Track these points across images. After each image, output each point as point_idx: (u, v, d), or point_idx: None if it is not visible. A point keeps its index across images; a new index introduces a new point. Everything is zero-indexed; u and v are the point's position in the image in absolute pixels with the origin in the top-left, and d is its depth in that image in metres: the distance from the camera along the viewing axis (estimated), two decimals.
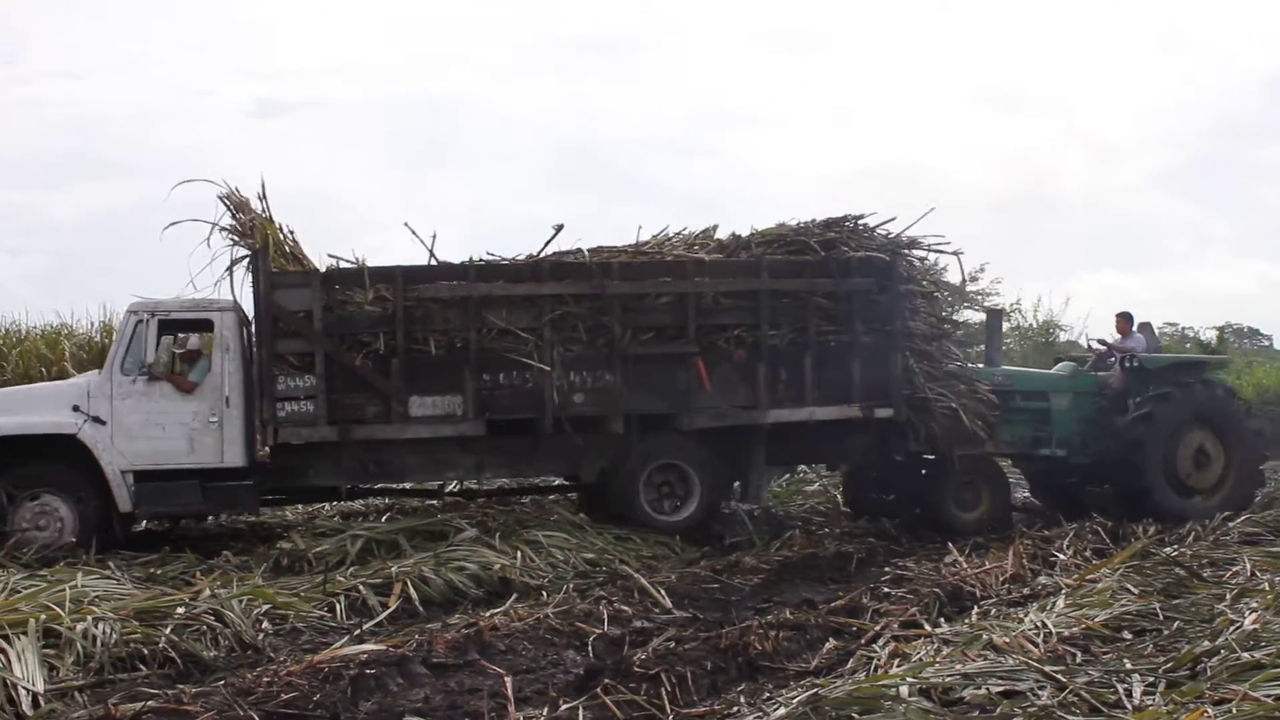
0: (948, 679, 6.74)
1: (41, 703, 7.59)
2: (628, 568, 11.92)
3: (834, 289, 14.54)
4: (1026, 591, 10.32)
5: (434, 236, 14.05)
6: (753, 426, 14.42)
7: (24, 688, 7.64)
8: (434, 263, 14.04)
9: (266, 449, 13.82)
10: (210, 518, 14.64)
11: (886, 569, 12.10)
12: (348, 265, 14.02)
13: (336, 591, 10.44)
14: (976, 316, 34.55)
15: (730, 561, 12.34)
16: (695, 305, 14.07)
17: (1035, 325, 31.51)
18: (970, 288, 34.66)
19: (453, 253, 14.13)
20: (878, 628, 8.87)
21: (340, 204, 63.81)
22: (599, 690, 6.96)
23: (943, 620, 9.13)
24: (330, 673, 7.67)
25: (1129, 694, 6.43)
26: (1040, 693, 6.43)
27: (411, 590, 10.54)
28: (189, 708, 6.96)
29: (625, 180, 71.70)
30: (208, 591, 10.10)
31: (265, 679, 7.58)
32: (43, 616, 8.65)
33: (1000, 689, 6.50)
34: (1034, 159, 71.83)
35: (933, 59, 74.25)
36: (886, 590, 10.68)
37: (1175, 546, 12.11)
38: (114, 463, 12.95)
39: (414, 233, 14.09)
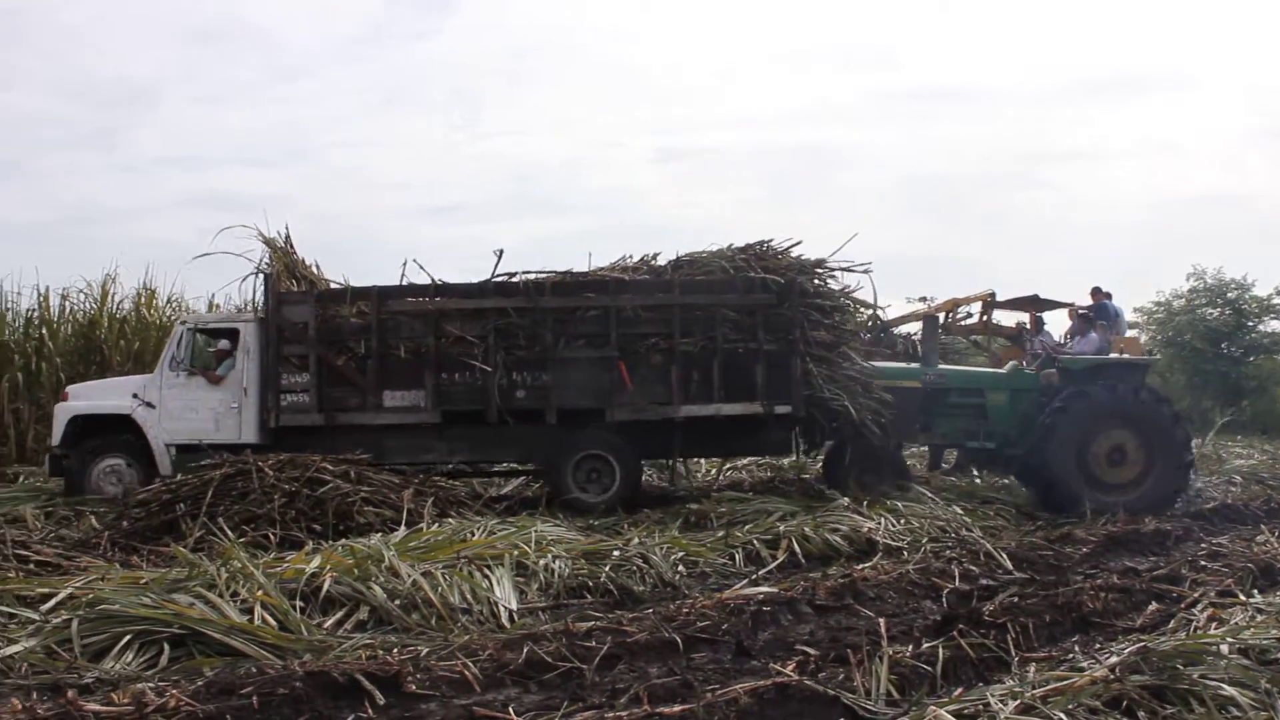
0: (1264, 641, 6.45)
1: (515, 618, 8.14)
2: (974, 534, 11.77)
3: (739, 303, 14.28)
4: None
5: (404, 264, 14.76)
6: (670, 421, 14.24)
7: (503, 605, 8.25)
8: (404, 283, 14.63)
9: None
10: None
11: (1202, 545, 11.50)
12: (338, 286, 14.95)
13: (735, 544, 10.69)
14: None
15: (1062, 533, 12.00)
16: (617, 317, 14.10)
17: None
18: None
19: None
20: (1196, 595, 8.48)
21: (717, 234, 64.63)
22: (955, 633, 6.94)
23: (1255, 591, 8.67)
24: (735, 608, 7.91)
25: None
26: None
27: (795, 546, 10.68)
28: (627, 628, 7.29)
29: (967, 211, 69.91)
30: (636, 539, 10.53)
31: (684, 610, 7.90)
32: (515, 552, 9.30)
33: None
34: None
35: (1244, 92, 69.21)
36: (1203, 563, 10.16)
37: None
38: (159, 437, 14.05)
39: (420, 266, 14.70)
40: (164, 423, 14.11)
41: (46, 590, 8.35)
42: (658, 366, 14.20)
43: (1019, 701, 5.48)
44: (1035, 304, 20.44)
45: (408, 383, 14.13)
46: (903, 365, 16.40)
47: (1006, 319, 20.95)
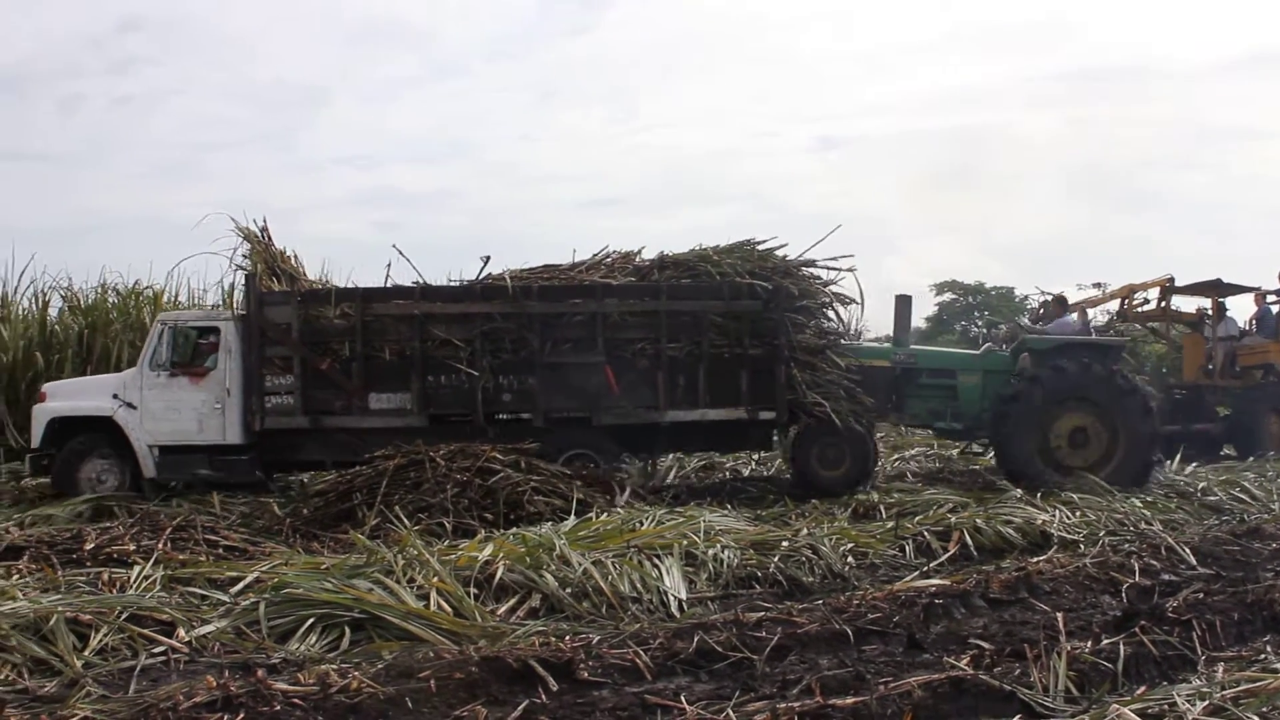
0: None
1: (684, 607, 8.19)
2: (1154, 528, 11.34)
3: (725, 309, 14.19)
4: None
5: (388, 264, 14.94)
6: (655, 424, 14.23)
7: (672, 595, 8.30)
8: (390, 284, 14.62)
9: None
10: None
11: None
12: (320, 287, 14.95)
13: (905, 535, 10.55)
14: None
15: (1250, 527, 11.48)
16: (604, 322, 14.02)
17: None
18: None
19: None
20: None
21: (876, 223, 63.80)
22: (1136, 630, 6.71)
23: None
24: (906, 600, 7.79)
25: None
26: None
27: (967, 538, 10.48)
28: (797, 619, 7.24)
29: (1128, 194, 67.63)
30: (804, 530, 10.47)
31: (854, 601, 7.79)
32: (684, 542, 9.33)
33: None
34: None
35: None
36: None
37: None
38: (141, 439, 13.83)
39: (401, 253, 14.88)
40: (146, 424, 13.90)
41: (235, 574, 8.76)
42: (644, 371, 14.16)
43: (1208, 702, 5.28)
44: (1218, 289, 19.69)
45: (393, 385, 14.09)
46: (873, 345, 16.66)
47: (1187, 305, 20.23)
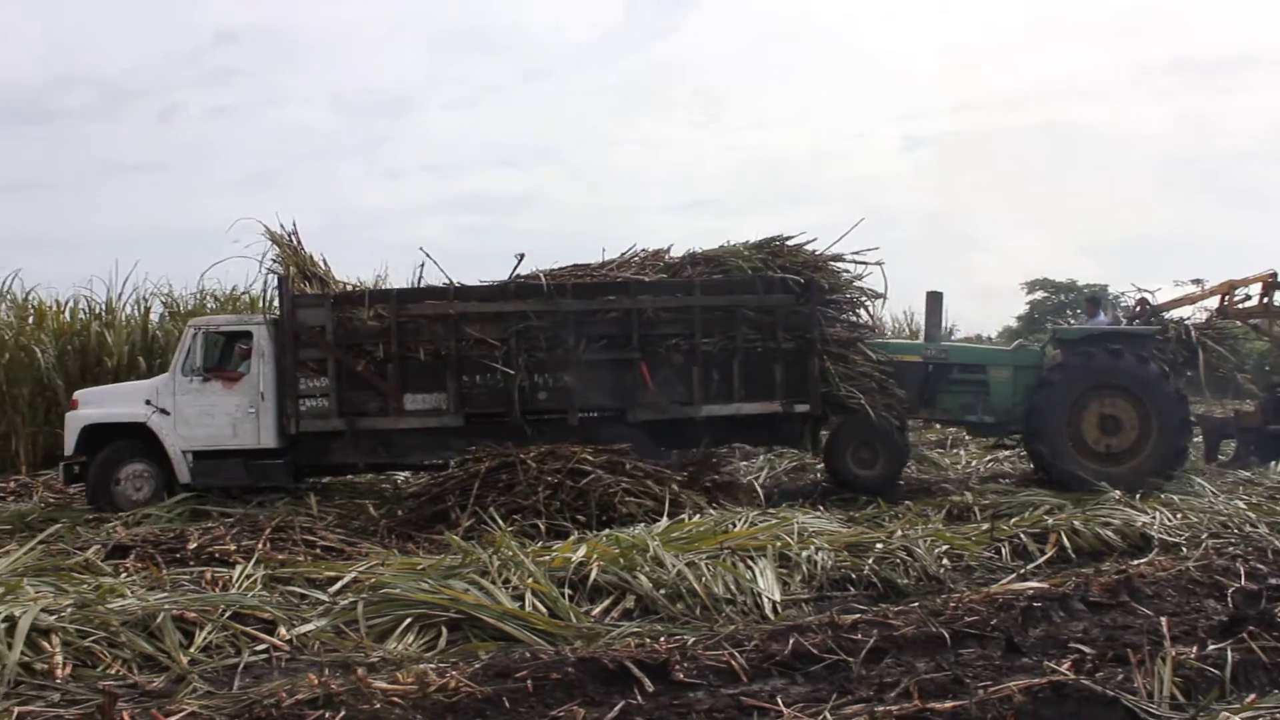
0: None
1: (779, 610, 8.17)
2: (1259, 530, 11.00)
3: (758, 303, 14.20)
4: None
5: (421, 266, 15.19)
6: (690, 419, 14.15)
7: (766, 597, 8.28)
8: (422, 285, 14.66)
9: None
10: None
11: None
12: (353, 288, 14.94)
13: (1001, 537, 10.37)
14: None
15: None
16: (638, 318, 13.97)
17: None
18: None
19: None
20: None
21: (966, 220, 62.93)
22: (1244, 635, 6.54)
23: None
24: (1003, 603, 7.72)
25: None
26: None
27: (1065, 540, 10.27)
28: (892, 621, 7.21)
29: (1227, 187, 65.78)
30: (898, 532, 10.38)
31: (951, 604, 7.74)
32: (777, 544, 9.31)
33: None
34: None
35: None
36: None
37: None
38: (175, 444, 13.70)
39: (428, 255, 15.72)
40: (180, 429, 13.75)
41: (333, 574, 8.93)
42: (678, 366, 14.11)
43: None
44: None
45: (429, 386, 13.98)
46: (904, 341, 16.75)
47: None
